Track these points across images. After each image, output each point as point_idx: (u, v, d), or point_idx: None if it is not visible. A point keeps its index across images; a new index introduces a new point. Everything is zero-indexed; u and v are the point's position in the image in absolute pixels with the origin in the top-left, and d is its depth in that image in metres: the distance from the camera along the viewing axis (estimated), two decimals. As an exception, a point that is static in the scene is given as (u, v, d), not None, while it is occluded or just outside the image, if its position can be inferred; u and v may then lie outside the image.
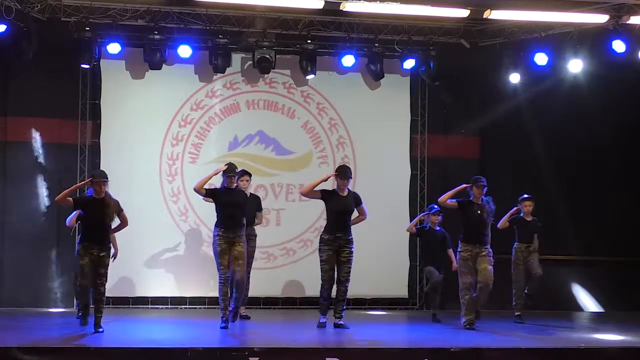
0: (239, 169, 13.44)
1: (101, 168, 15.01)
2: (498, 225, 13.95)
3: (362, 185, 16.01)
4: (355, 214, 12.87)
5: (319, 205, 13.17)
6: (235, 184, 12.80)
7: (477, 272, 12.75)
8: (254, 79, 16.13)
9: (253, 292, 14.57)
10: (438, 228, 14.27)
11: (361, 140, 16.41)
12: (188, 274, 15.52)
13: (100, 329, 11.85)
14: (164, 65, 15.39)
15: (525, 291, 14.19)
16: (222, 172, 12.73)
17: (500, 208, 14.13)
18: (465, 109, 16.59)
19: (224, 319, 12.51)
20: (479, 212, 12.82)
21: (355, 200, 12.80)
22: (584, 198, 16.80)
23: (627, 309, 16.16)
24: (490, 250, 12.87)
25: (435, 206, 14.20)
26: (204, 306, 15.24)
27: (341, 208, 12.69)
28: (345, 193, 12.77)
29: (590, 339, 12.17)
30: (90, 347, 10.41)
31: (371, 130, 16.42)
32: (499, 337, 11.92)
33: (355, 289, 14.91)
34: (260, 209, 14.13)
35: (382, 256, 15.69)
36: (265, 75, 16.00)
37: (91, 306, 12.36)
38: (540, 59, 15.56)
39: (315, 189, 12.66)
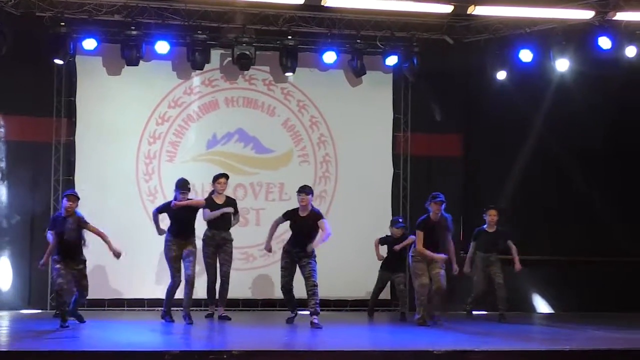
0: (222, 171, 14.30)
1: (76, 166, 15.32)
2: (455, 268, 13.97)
3: (343, 184, 16.23)
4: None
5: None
6: (187, 199, 13.38)
7: (431, 278, 13.36)
8: (233, 75, 16.07)
9: (232, 293, 14.60)
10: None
11: (343, 138, 16.39)
12: (165, 275, 14.90)
13: (83, 320, 12.86)
14: (141, 62, 15.32)
15: (500, 311, 14.64)
16: (175, 187, 13.40)
17: (481, 205, 14.96)
18: (449, 106, 16.60)
19: (169, 317, 13.30)
20: (434, 229, 13.32)
21: (315, 218, 13.14)
22: (567, 197, 16.81)
23: (577, 309, 16.18)
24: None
25: (400, 220, 14.86)
26: (181, 308, 14.91)
27: (299, 230, 13.25)
28: (306, 213, 13.18)
29: (573, 339, 12.18)
30: (65, 351, 10.27)
31: (353, 128, 16.41)
32: (483, 339, 11.92)
33: (337, 291, 15.62)
34: (236, 211, 14.35)
35: (364, 257, 15.44)
36: (245, 72, 15.94)
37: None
38: (526, 55, 15.60)
39: (273, 226, 13.45)
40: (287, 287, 13.39)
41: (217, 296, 14.24)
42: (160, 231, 13.55)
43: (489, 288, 14.75)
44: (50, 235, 12.75)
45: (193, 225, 13.55)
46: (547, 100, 16.47)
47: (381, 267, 14.96)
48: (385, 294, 15.60)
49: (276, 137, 16.21)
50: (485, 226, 14.75)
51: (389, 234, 14.96)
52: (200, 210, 13.83)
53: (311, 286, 13.00)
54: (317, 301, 13.01)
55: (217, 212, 13.86)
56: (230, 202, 14.35)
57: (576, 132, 16.65)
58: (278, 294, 14.84)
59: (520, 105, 16.29)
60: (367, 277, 15.53)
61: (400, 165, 16.49)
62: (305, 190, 13.19)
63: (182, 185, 13.42)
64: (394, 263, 14.80)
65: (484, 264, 14.70)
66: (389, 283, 15.16)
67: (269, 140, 16.18)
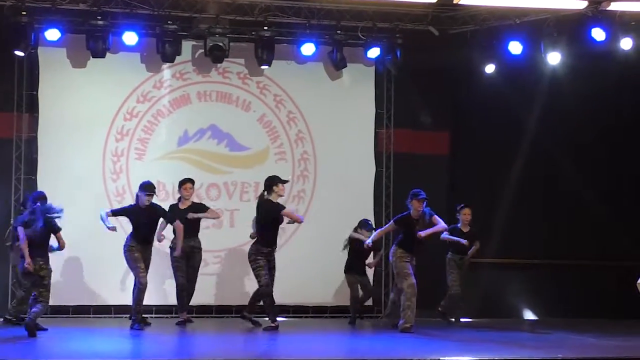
0: (186, 177, 14.50)
1: (39, 165, 15.22)
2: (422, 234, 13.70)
3: (323, 183, 16.22)
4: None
5: (277, 205, 13.47)
6: (149, 202, 13.51)
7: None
8: (205, 68, 15.95)
9: (204, 299, 14.91)
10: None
11: (322, 135, 16.31)
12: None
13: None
14: (107, 54, 15.17)
15: (439, 309, 15.07)
16: (139, 188, 13.60)
17: (469, 207, 15.20)
18: (435, 102, 16.55)
19: (138, 324, 13.31)
20: (415, 227, 13.42)
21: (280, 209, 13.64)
22: (559, 197, 16.83)
23: (563, 315, 16.21)
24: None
25: (370, 222, 15.18)
26: (152, 315, 14.92)
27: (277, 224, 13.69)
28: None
29: (565, 347, 12.14)
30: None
31: (333, 124, 16.33)
32: (470, 347, 11.91)
33: (315, 297, 15.75)
34: (205, 210, 14.61)
35: (344, 260, 15.25)
36: (218, 65, 15.84)
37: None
38: (515, 47, 15.49)
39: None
40: (272, 286, 13.44)
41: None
42: (111, 228, 13.47)
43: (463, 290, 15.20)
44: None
45: (154, 232, 13.73)
46: (538, 96, 16.44)
47: (347, 271, 15.03)
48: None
49: (251, 134, 16.10)
50: (459, 225, 15.06)
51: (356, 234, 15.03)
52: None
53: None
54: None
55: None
56: (197, 207, 14.51)
57: (569, 129, 16.61)
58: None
59: (510, 101, 16.24)
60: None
61: (383, 164, 16.41)
62: (283, 180, 13.51)
63: (148, 187, 13.58)
64: (360, 264, 14.99)
65: (457, 265, 15.05)
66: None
67: (244, 137, 16.06)
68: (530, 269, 16.52)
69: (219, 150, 15.96)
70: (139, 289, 13.36)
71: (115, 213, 13.63)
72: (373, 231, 14.75)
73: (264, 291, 13.42)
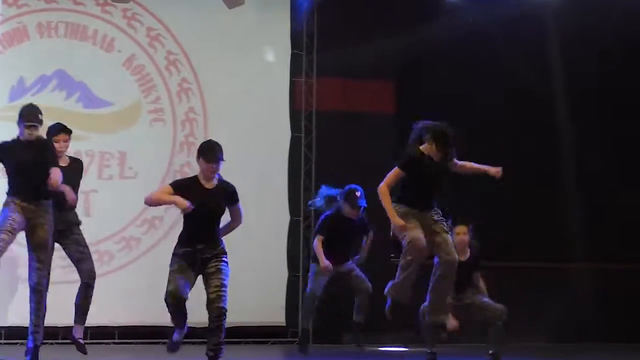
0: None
1: None
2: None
3: None
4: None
5: (150, 185, 12.17)
6: (35, 136, 11.61)
7: (433, 245, 10.97)
8: None
9: (62, 319, 12.90)
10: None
11: (215, 85, 15.04)
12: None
13: None
14: None
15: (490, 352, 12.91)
16: (18, 119, 11.62)
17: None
18: (376, 40, 15.19)
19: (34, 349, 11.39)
20: (432, 168, 11.14)
21: (227, 196, 11.67)
22: (556, 174, 15.81)
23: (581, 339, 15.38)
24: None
25: (359, 192, 12.84)
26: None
27: (204, 207, 11.49)
28: (213, 184, 11.46)
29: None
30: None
31: (230, 70, 15.04)
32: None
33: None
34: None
35: (248, 264, 13.92)
36: None
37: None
38: None
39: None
40: (177, 296, 11.35)
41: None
42: None
43: None
44: None
45: (45, 189, 11.74)
46: (524, 30, 15.38)
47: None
48: (278, 317, 14.48)
49: (115, 84, 14.73)
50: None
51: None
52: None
53: (216, 317, 11.25)
54: (221, 340, 11.37)
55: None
56: (77, 163, 12.69)
57: (569, 78, 15.53)
58: (120, 317, 14.22)
59: (485, 36, 15.16)
60: (252, 294, 14.24)
61: (301, 127, 15.21)
62: (215, 156, 11.41)
63: (27, 115, 11.64)
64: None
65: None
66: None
67: (105, 88, 14.65)
68: (526, 275, 15.38)
69: (68, 106, 14.49)
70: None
71: None
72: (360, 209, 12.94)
73: (170, 299, 11.67)
